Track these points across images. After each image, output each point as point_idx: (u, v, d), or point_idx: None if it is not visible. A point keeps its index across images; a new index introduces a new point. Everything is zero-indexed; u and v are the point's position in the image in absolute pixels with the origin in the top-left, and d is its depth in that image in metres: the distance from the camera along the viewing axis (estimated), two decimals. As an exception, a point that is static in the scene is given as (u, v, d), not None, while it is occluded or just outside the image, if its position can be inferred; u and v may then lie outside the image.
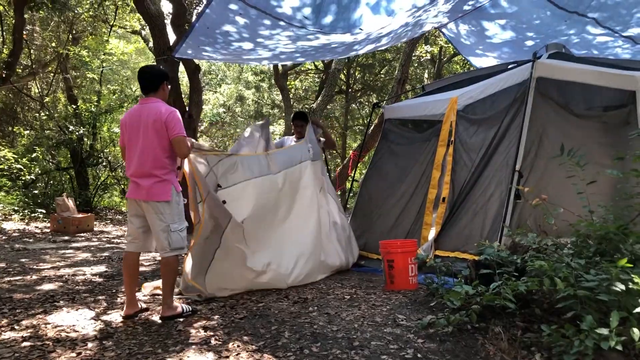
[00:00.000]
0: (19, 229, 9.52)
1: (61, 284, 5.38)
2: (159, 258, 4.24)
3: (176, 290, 4.85)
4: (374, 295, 4.71)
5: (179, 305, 4.14)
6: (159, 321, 4.01)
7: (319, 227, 5.66)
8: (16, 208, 10.25)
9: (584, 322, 3.00)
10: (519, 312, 3.63)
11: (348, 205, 14.44)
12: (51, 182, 13.36)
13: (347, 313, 4.09)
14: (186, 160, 4.60)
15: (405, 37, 6.88)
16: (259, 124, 5.92)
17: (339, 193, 15.70)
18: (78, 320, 4.01)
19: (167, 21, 10.12)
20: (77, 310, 4.31)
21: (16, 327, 3.81)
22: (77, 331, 3.74)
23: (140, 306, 4.24)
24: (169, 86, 4.35)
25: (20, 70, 12.95)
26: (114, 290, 5.09)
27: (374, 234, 6.36)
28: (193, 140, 4.53)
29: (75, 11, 11.35)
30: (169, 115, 4.02)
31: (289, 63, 15.91)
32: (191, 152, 4.58)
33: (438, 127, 5.96)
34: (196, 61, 10.43)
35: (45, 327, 3.82)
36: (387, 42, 7.01)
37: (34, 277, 5.73)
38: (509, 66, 5.94)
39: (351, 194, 13.70)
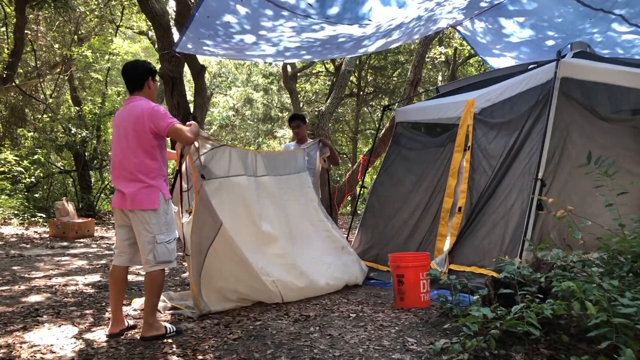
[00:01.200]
0: (17, 234, 9.25)
1: (49, 295, 5.07)
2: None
3: (168, 304, 4.51)
4: (382, 314, 4.34)
5: (162, 324, 3.78)
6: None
7: (310, 242, 5.36)
8: (16, 212, 9.97)
9: (622, 357, 2.60)
10: (543, 339, 3.24)
11: (358, 211, 14.10)
12: (58, 184, 13.10)
13: (352, 335, 3.72)
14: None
15: (418, 33, 6.49)
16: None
17: (349, 199, 15.34)
18: (58, 339, 3.67)
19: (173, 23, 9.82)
20: (59, 326, 3.98)
21: (-12, 347, 3.49)
22: (54, 352, 3.40)
23: (127, 324, 3.90)
24: (157, 82, 4.00)
25: (21, 70, 12.73)
26: (103, 304, 4.75)
27: (384, 245, 5.98)
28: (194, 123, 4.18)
29: (78, 9, 11.08)
30: (152, 110, 3.66)
31: (297, 64, 15.60)
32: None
33: (454, 131, 5.57)
34: (202, 62, 10.14)
35: (21, 347, 3.48)
36: (399, 37, 6.64)
37: (23, 287, 5.42)
38: (529, 67, 5.58)
39: (361, 199, 13.34)
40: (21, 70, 12.75)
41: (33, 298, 4.91)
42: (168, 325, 3.83)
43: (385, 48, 7.74)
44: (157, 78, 4.11)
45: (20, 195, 11.13)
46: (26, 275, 6.08)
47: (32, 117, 14.92)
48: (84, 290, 5.33)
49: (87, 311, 4.48)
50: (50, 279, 5.93)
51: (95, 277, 6.09)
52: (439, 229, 5.45)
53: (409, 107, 6.88)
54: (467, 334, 3.32)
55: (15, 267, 6.59)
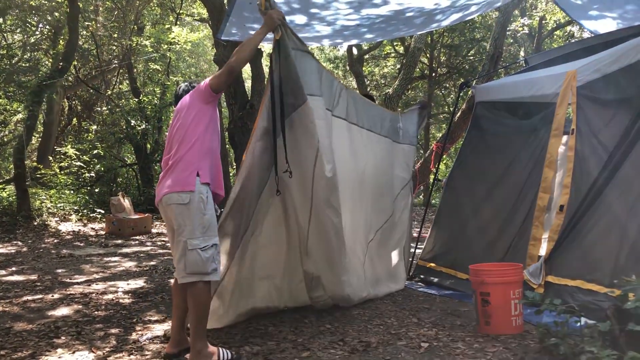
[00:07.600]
0: (73, 231, 9.00)
1: (80, 307, 4.53)
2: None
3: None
4: (461, 343, 3.43)
5: (216, 350, 3.07)
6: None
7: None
8: (76, 208, 9.77)
9: None
10: None
11: (433, 201, 13.03)
12: (121, 178, 12.96)
13: (424, 378, 2.86)
14: None
15: (500, 0, 5.47)
16: None
17: (421, 188, 14.26)
18: (63, 374, 3.06)
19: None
20: (73, 353, 3.37)
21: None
22: (53, 393, 2.78)
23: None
24: None
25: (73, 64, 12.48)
26: (134, 319, 4.14)
27: (462, 249, 5.05)
28: None
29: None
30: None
31: (363, 45, 14.59)
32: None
33: (550, 110, 4.50)
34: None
35: (18, 384, 2.89)
36: (478, 9, 5.64)
37: (57, 295, 4.94)
38: (643, 29, 4.47)
39: (434, 188, 12.25)
40: (73, 63, 12.49)
41: (61, 311, 4.39)
42: (225, 350, 3.11)
43: (461, 20, 6.73)
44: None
45: (84, 190, 10.98)
46: (67, 280, 5.64)
47: (97, 111, 14.92)
48: (120, 300, 4.77)
49: (113, 330, 3.87)
50: (90, 284, 5.45)
51: (139, 283, 5.55)
52: (532, 231, 4.44)
53: (491, 84, 5.85)
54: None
55: (59, 270, 6.20)
